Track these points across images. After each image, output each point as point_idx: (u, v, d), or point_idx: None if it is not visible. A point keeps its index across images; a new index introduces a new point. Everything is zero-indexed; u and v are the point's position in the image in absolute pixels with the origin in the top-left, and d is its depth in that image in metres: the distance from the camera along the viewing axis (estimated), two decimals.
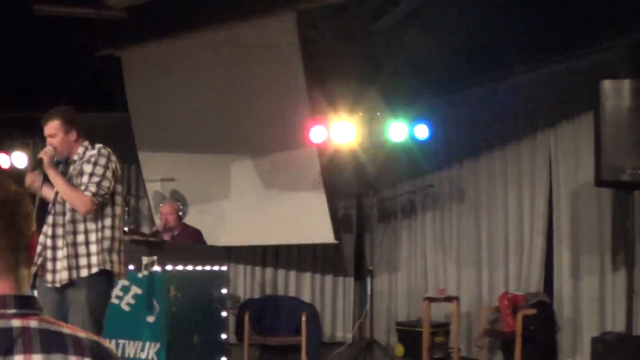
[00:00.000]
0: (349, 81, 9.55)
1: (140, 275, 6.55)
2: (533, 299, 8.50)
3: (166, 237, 8.58)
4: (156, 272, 6.55)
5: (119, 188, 5.24)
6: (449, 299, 8.87)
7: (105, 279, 5.08)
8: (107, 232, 5.09)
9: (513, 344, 8.15)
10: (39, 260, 5.03)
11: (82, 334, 1.77)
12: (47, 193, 5.14)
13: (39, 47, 9.85)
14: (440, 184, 10.09)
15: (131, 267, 6.52)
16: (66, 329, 1.75)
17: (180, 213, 8.85)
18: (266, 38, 9.50)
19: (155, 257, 6.59)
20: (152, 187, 10.86)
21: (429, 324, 8.67)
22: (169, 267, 6.66)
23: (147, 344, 6.42)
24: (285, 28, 9.25)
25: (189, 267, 7.12)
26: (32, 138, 9.98)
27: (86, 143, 5.24)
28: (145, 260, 6.62)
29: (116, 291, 6.50)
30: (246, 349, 8.41)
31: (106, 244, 5.06)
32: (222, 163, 10.41)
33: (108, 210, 5.13)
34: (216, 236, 10.25)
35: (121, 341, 6.49)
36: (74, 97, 10.42)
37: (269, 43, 9.50)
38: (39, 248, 5.05)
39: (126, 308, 6.53)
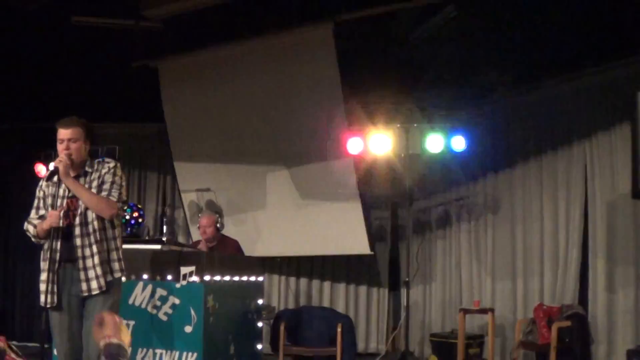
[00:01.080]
0: (386, 92, 9.55)
1: (178, 285, 6.57)
2: (568, 311, 8.44)
3: (204, 247, 8.61)
4: (194, 282, 6.57)
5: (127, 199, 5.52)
6: (483, 310, 8.83)
7: (121, 283, 5.41)
8: (120, 240, 5.42)
9: (548, 356, 8.09)
10: (51, 276, 5.15)
11: None
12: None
13: (76, 58, 9.97)
14: (475, 194, 10.05)
15: (169, 277, 6.57)
16: None
17: (218, 225, 8.85)
18: (303, 49, 9.55)
19: (193, 267, 6.62)
20: (188, 198, 10.91)
21: (463, 335, 8.64)
22: (207, 278, 6.69)
23: (184, 354, 6.43)
24: (322, 39, 9.30)
25: (227, 278, 7.14)
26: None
27: (97, 158, 5.45)
28: (183, 270, 6.65)
29: (154, 301, 6.56)
30: None
31: (121, 250, 5.39)
32: (259, 173, 10.45)
33: (119, 220, 5.45)
34: (252, 247, 10.27)
35: (158, 351, 6.51)
36: (110, 107, 10.60)
37: (306, 54, 9.55)
38: (46, 264, 5.18)
39: (164, 318, 6.55)
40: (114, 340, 2.13)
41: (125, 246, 6.75)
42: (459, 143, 8.82)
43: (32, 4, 8.28)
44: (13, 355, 1.86)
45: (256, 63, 9.96)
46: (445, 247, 10.36)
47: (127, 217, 9.78)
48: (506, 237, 9.69)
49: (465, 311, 8.79)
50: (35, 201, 5.41)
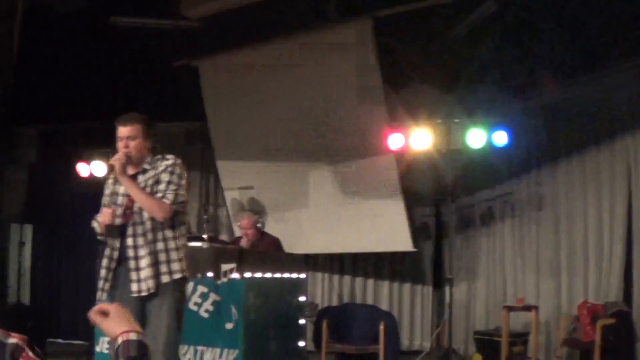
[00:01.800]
0: (427, 88, 9.49)
1: (219, 282, 6.60)
2: (612, 309, 8.32)
3: (246, 244, 8.62)
4: (235, 279, 6.59)
5: (187, 197, 5.31)
6: (527, 307, 8.72)
7: (184, 284, 5.22)
8: (183, 240, 5.24)
9: (592, 354, 7.99)
10: (109, 275, 5.13)
11: (12, 339, 1.91)
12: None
13: (117, 58, 10.06)
14: (518, 191, 9.93)
15: (210, 274, 6.60)
16: None
17: (258, 224, 8.85)
18: (343, 46, 9.52)
19: (234, 265, 6.64)
20: (231, 195, 10.93)
21: (507, 333, 8.54)
22: (247, 275, 6.70)
23: (225, 350, 6.47)
24: (361, 35, 9.27)
25: (268, 275, 7.15)
26: (111, 147, 10.13)
27: (156, 154, 5.29)
28: (224, 267, 6.68)
29: (195, 298, 6.61)
30: (324, 357, 8.41)
31: (183, 251, 5.20)
32: (301, 171, 10.44)
33: (182, 218, 5.25)
34: (294, 244, 10.24)
35: (199, 348, 6.56)
36: (152, 106, 10.66)
37: (346, 50, 9.53)
38: (105, 261, 5.16)
39: (205, 315, 6.59)
40: (133, 337, 2.09)
41: None
42: (501, 138, 8.71)
43: (67, 7, 8.36)
44: (31, 354, 1.84)
45: (296, 60, 9.94)
46: (489, 244, 10.25)
47: None
48: (550, 234, 9.56)
49: (509, 309, 8.69)
50: (103, 199, 5.34)
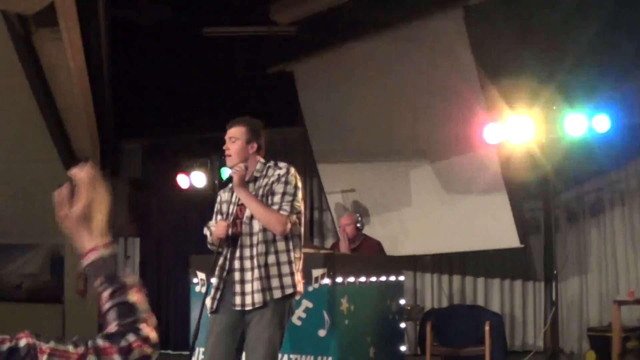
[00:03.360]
0: (523, 75, 9.13)
1: (310, 288, 6.44)
2: None
3: (347, 249, 8.48)
4: (326, 284, 6.43)
5: (303, 207, 5.09)
6: (639, 301, 8.25)
7: (292, 299, 5.03)
8: (297, 253, 5.01)
9: None
10: (220, 284, 4.99)
11: (22, 341, 1.78)
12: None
13: (211, 68, 10.10)
14: (627, 178, 9.47)
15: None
16: None
17: (358, 224, 8.71)
18: (435, 37, 9.32)
19: (324, 270, 6.48)
20: (334, 199, 10.82)
21: (619, 328, 8.10)
22: (339, 279, 6.53)
23: (319, 358, 6.30)
24: (453, 26, 9.04)
25: (362, 279, 6.97)
26: (209, 158, 10.17)
27: (268, 161, 5.13)
28: (315, 273, 6.53)
29: None
30: None
31: (296, 264, 4.97)
32: (401, 170, 10.24)
33: (297, 229, 5.02)
34: (400, 245, 10.10)
35: (293, 356, 6.41)
36: (250, 115, 10.66)
37: (439, 43, 9.30)
38: (217, 271, 5.01)
39: (297, 322, 6.43)
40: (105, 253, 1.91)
41: None
42: (603, 124, 8.27)
43: (150, 19, 8.42)
44: (44, 345, 1.73)
45: (389, 57, 9.79)
46: (599, 235, 9.81)
47: None
48: None
49: (620, 303, 8.24)
50: (215, 206, 5.25)
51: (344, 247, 8.52)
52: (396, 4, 9.26)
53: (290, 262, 4.90)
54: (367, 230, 9.49)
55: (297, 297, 5.15)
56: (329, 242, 10.68)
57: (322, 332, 6.33)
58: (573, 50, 8.95)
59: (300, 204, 4.96)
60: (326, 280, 6.43)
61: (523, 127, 8.60)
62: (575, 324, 9.88)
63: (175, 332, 10.89)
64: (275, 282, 4.83)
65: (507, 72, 9.39)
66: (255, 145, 5.05)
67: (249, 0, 9.49)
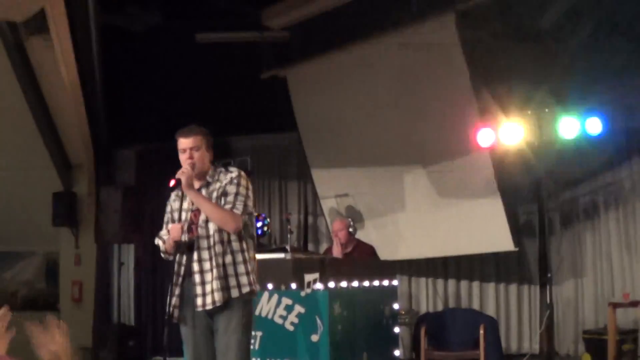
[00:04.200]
0: (516, 79, 9.13)
1: (303, 293, 6.45)
2: None
3: (340, 254, 8.47)
4: (318, 290, 6.42)
5: (253, 210, 5.22)
6: (634, 303, 8.23)
7: (251, 298, 5.15)
8: (251, 253, 5.14)
9: None
10: (177, 290, 5.05)
11: None
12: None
13: (204, 74, 10.09)
14: (621, 181, 9.45)
15: (293, 285, 6.45)
16: None
17: (350, 229, 8.71)
18: (428, 42, 9.28)
19: (317, 275, 6.47)
20: (328, 204, 10.81)
21: (614, 331, 8.08)
22: (331, 284, 6.52)
23: None
24: (445, 30, 9.00)
25: (355, 284, 6.96)
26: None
27: (218, 166, 5.23)
28: (307, 278, 6.52)
29: (280, 310, 6.47)
30: None
31: (251, 264, 5.10)
32: (395, 174, 10.23)
33: (249, 231, 5.17)
34: (394, 250, 10.09)
35: None
36: (242, 120, 10.67)
37: (431, 47, 9.28)
38: (173, 278, 5.08)
39: (290, 328, 6.44)
40: None
41: None
42: (595, 126, 8.27)
43: (141, 25, 8.43)
44: None
45: (382, 62, 9.78)
46: (594, 238, 9.78)
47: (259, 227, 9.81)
48: None
49: (615, 305, 8.23)
50: (165, 216, 5.33)
51: (336, 252, 8.51)
52: (389, 9, 9.24)
53: (245, 262, 5.03)
54: (361, 235, 9.49)
55: (254, 297, 5.22)
56: (323, 248, 10.67)
57: (314, 337, 6.34)
58: (565, 53, 8.96)
59: (251, 206, 5.10)
60: (319, 285, 6.42)
61: (516, 131, 8.60)
62: (570, 327, 9.84)
63: (170, 338, 10.87)
64: (232, 281, 4.97)
65: (499, 76, 9.39)
66: (212, 153, 5.19)
67: (241, 6, 9.48)
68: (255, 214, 6.11)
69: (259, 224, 9.74)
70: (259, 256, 6.92)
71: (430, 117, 9.62)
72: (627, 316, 8.75)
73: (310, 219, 11.43)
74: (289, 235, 7.62)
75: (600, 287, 9.66)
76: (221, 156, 10.52)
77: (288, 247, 7.00)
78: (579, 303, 9.88)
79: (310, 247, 11.02)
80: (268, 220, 10.45)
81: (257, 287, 5.14)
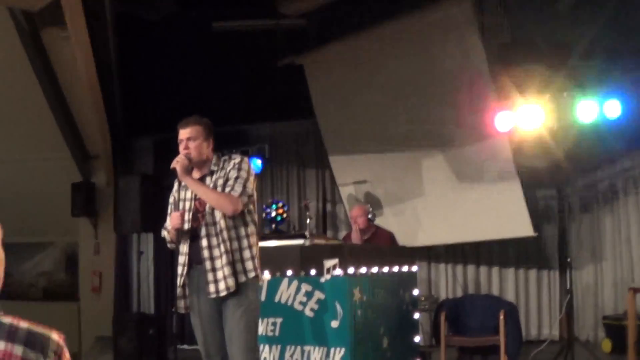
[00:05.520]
0: (535, 62, 9.06)
1: (322, 279, 6.42)
2: None
3: (359, 240, 8.46)
4: (338, 275, 6.40)
5: (255, 196, 5.28)
6: None
7: (258, 283, 5.23)
8: (254, 239, 5.20)
9: None
10: (181, 281, 5.15)
11: (24, 324, 1.89)
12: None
13: (221, 62, 10.07)
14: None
15: (313, 271, 6.43)
16: (6, 319, 1.88)
17: (370, 215, 8.69)
18: (445, 26, 9.26)
19: (336, 260, 6.45)
20: (346, 191, 10.78)
21: (634, 316, 7.98)
22: (351, 270, 6.50)
23: (332, 349, 6.27)
24: (463, 13, 8.98)
25: (374, 270, 6.93)
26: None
27: (223, 155, 5.30)
28: (327, 264, 6.50)
29: (300, 297, 6.45)
30: (443, 351, 8.11)
31: (255, 249, 5.18)
32: (413, 160, 10.20)
33: (252, 217, 5.23)
34: (413, 236, 10.07)
35: (306, 347, 6.39)
36: (260, 108, 10.65)
37: (449, 31, 9.24)
38: (178, 269, 5.18)
39: (310, 314, 6.41)
40: None
41: (268, 243, 6.77)
42: (614, 109, 8.18)
43: (157, 14, 8.40)
44: (68, 356, 1.81)
45: (399, 46, 9.74)
46: (613, 222, 9.72)
47: (273, 213, 9.79)
48: None
49: (635, 290, 8.12)
50: (169, 207, 5.39)
51: (355, 239, 8.50)
52: None
53: (250, 247, 5.12)
54: (380, 222, 9.47)
55: (260, 282, 5.33)
56: (342, 235, 10.65)
57: (334, 324, 6.30)
58: (584, 36, 8.88)
59: (252, 190, 5.14)
60: (338, 271, 6.40)
61: (534, 115, 8.53)
62: (590, 312, 9.80)
63: (190, 326, 10.90)
64: (239, 267, 5.06)
65: (517, 59, 9.32)
66: (211, 142, 5.24)
67: None
68: (269, 201, 6.10)
69: (280, 211, 9.76)
70: (278, 242, 7.00)
71: (448, 102, 9.57)
72: None
73: (328, 206, 11.39)
74: (307, 222, 7.59)
75: (620, 272, 9.59)
76: (239, 144, 10.57)
77: (307, 233, 6.97)
78: (598, 288, 9.83)
79: (329, 234, 10.99)
80: (287, 206, 10.41)
81: (260, 273, 5.24)
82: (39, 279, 12.88)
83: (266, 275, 6.43)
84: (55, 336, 1.93)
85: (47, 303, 12.51)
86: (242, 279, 5.03)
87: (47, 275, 12.88)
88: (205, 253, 5.02)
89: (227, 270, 4.96)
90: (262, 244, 6.47)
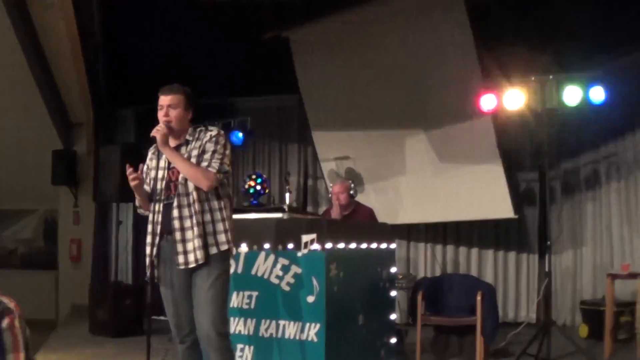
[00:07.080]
0: (520, 44, 9.03)
1: (299, 254, 6.38)
2: None
3: (339, 216, 8.42)
4: (315, 250, 6.36)
5: (231, 170, 5.22)
6: (634, 275, 8.11)
7: (229, 255, 5.17)
8: (228, 212, 5.16)
9: None
10: (151, 251, 5.11)
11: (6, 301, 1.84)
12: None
13: (206, 34, 10.00)
14: (624, 151, 9.38)
15: (290, 245, 6.40)
16: None
17: (351, 192, 8.65)
18: (432, 6, 9.22)
19: (314, 235, 6.41)
20: (328, 167, 10.78)
21: (612, 302, 7.99)
22: (328, 245, 6.46)
23: (307, 324, 6.23)
24: None
25: (352, 246, 6.89)
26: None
27: (198, 126, 5.22)
28: (304, 238, 6.46)
29: (276, 271, 6.41)
30: (419, 330, 8.07)
31: (228, 222, 5.13)
32: (396, 138, 10.20)
33: (226, 190, 5.19)
34: (394, 214, 10.08)
35: (281, 322, 6.36)
36: (244, 81, 10.59)
37: (436, 12, 9.22)
38: (148, 238, 5.13)
39: (286, 288, 6.38)
40: None
41: (247, 216, 6.73)
42: (598, 94, 8.14)
43: None
44: (17, 323, 1.75)
45: (386, 25, 9.72)
46: (595, 208, 9.76)
47: (256, 186, 9.78)
48: None
49: (614, 276, 8.13)
50: (143, 174, 5.30)
51: (335, 214, 8.46)
52: None
53: (223, 220, 5.08)
54: (361, 198, 9.43)
55: (232, 255, 5.26)
56: (322, 210, 10.63)
57: (310, 299, 6.27)
58: (570, 19, 8.86)
59: (228, 166, 5.10)
60: (316, 246, 6.36)
61: (518, 97, 8.49)
62: (568, 297, 9.84)
63: (154, 298, 10.87)
64: (211, 239, 5.02)
65: (503, 41, 9.30)
66: (191, 113, 5.18)
67: None
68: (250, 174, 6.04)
69: (253, 183, 9.75)
70: (257, 215, 6.93)
71: (433, 81, 9.58)
72: (625, 288, 8.65)
73: (310, 182, 11.41)
74: (287, 195, 7.56)
75: (600, 257, 9.65)
76: (222, 116, 10.51)
77: (286, 207, 6.93)
78: (577, 273, 9.88)
79: (310, 209, 10.98)
80: (268, 181, 10.40)
81: (234, 246, 5.21)
82: (18, 246, 12.83)
83: (243, 248, 6.39)
84: (6, 299, 1.92)
85: (26, 270, 12.46)
86: (213, 251, 5.00)
87: (27, 243, 12.82)
88: (176, 224, 4.96)
89: (197, 242, 4.93)
90: (241, 216, 6.47)
